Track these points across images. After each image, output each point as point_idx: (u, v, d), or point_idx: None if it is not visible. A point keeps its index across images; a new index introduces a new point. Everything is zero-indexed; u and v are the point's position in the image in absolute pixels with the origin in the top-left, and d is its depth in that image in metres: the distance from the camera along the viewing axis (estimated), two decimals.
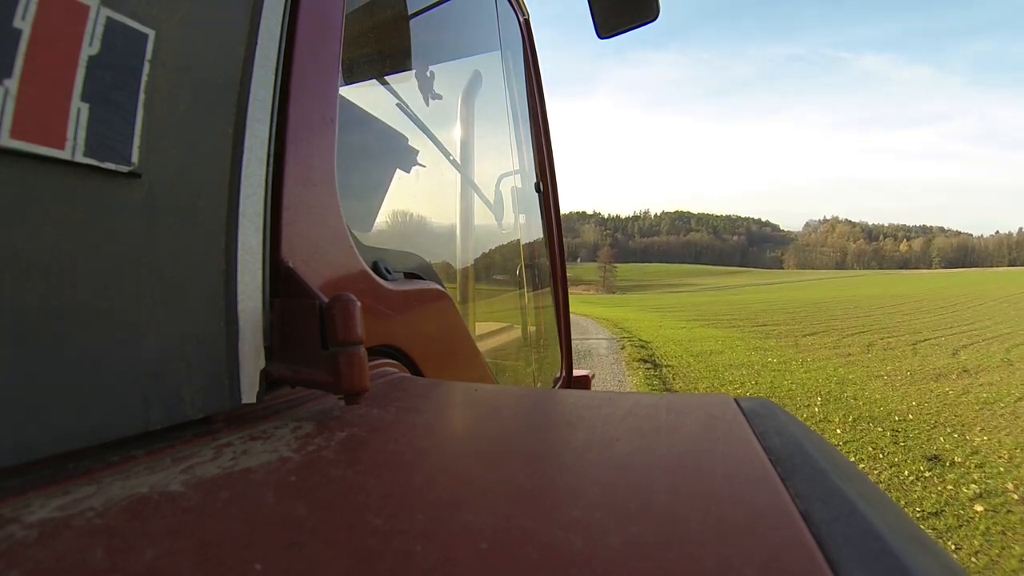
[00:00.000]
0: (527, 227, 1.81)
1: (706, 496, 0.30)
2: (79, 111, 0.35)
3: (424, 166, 1.20)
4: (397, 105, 1.18)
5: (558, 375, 1.90)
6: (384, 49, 1.11)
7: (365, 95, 1.12)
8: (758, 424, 0.41)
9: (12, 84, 0.31)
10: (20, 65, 0.31)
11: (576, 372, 2.02)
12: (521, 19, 1.72)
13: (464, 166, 1.58)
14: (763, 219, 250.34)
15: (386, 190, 1.13)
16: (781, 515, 0.27)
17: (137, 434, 0.38)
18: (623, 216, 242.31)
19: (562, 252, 1.90)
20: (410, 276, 0.84)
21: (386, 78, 1.17)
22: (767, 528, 0.26)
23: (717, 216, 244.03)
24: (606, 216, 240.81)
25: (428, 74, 1.22)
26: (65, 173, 0.34)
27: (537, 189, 1.79)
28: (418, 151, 1.17)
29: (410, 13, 1.13)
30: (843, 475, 0.32)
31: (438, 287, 0.87)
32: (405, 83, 1.21)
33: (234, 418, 0.46)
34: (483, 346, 1.33)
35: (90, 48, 0.35)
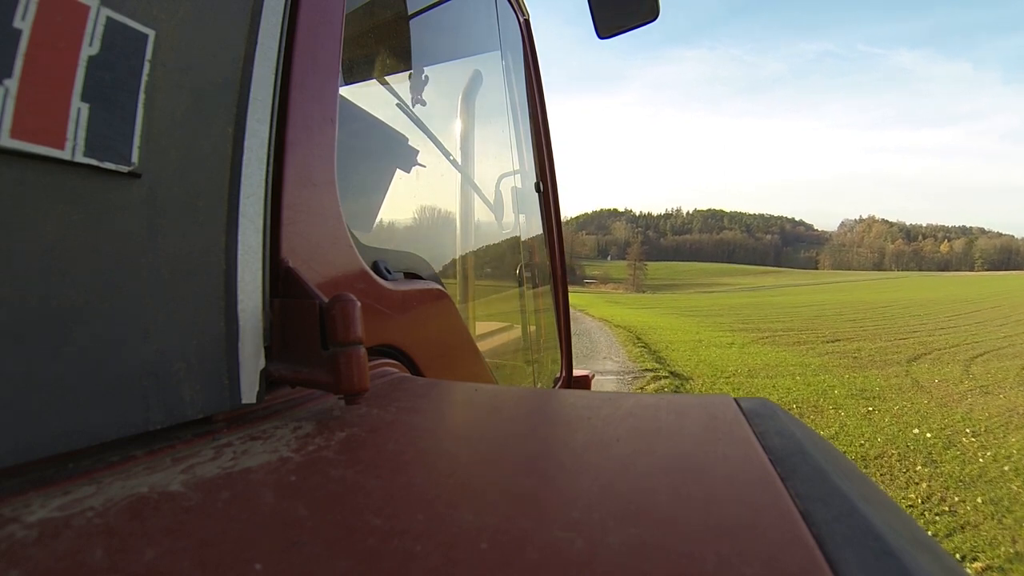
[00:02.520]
0: (527, 227, 1.81)
1: (706, 496, 0.30)
2: (79, 111, 0.35)
3: (424, 166, 1.20)
4: (397, 105, 1.18)
5: (558, 375, 1.90)
6: (384, 49, 1.11)
7: (365, 95, 1.12)
8: (758, 424, 0.41)
9: (12, 84, 0.31)
10: (20, 65, 0.31)
11: (576, 372, 2.02)
12: (521, 19, 1.72)
13: (464, 166, 1.58)
14: (797, 218, 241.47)
15: (386, 190, 1.13)
16: (781, 515, 0.27)
17: (137, 434, 0.38)
18: (655, 214, 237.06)
19: (562, 252, 1.90)
20: (410, 276, 0.84)
21: (386, 78, 1.17)
22: (767, 528, 0.26)
23: (750, 215, 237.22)
24: (638, 213, 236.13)
25: (423, 78, 1.22)
26: (65, 173, 0.34)
27: (537, 189, 1.79)
28: (418, 151, 1.17)
29: (410, 13, 1.13)
30: (843, 475, 0.32)
31: (438, 287, 0.87)
32: (405, 83, 1.21)
33: (234, 418, 0.46)
34: (483, 346, 1.33)
35: (90, 48, 0.35)
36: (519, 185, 1.75)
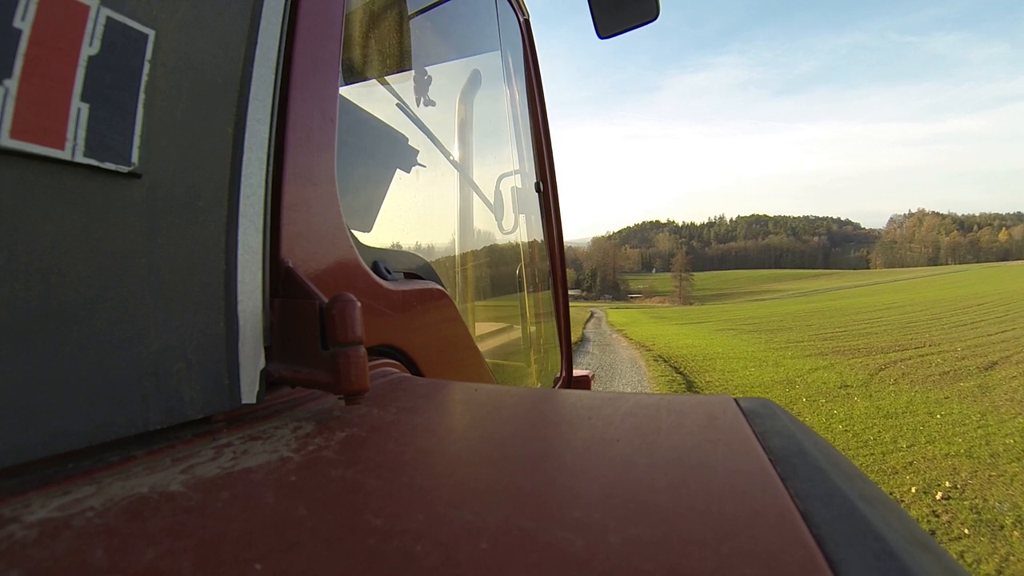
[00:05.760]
0: (527, 227, 1.81)
1: (706, 496, 0.30)
2: (79, 111, 0.35)
3: (424, 166, 1.20)
4: (397, 105, 1.18)
5: (558, 375, 1.90)
6: (384, 49, 1.11)
7: (365, 95, 1.12)
8: (758, 424, 0.41)
9: (12, 84, 0.31)
10: (20, 65, 0.31)
11: (576, 372, 2.02)
12: (521, 19, 1.72)
13: (464, 166, 1.58)
14: (843, 218, 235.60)
15: (386, 190, 1.13)
16: (781, 515, 0.27)
17: (137, 434, 0.38)
18: (698, 223, 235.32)
19: (562, 252, 1.90)
20: (410, 276, 0.84)
21: (386, 78, 1.17)
22: (767, 528, 0.26)
23: (795, 217, 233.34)
24: (680, 224, 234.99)
25: (425, 77, 1.22)
26: (65, 173, 0.34)
27: (537, 189, 1.79)
28: (418, 151, 1.17)
29: (410, 13, 1.13)
30: (843, 475, 0.32)
31: (438, 287, 0.87)
32: (405, 83, 1.21)
33: (234, 418, 0.46)
34: (483, 346, 1.33)
35: (90, 48, 0.35)
36: (519, 185, 1.75)
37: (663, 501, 0.29)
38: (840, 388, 6.84)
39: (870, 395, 6.42)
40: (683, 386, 7.87)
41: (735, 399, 0.48)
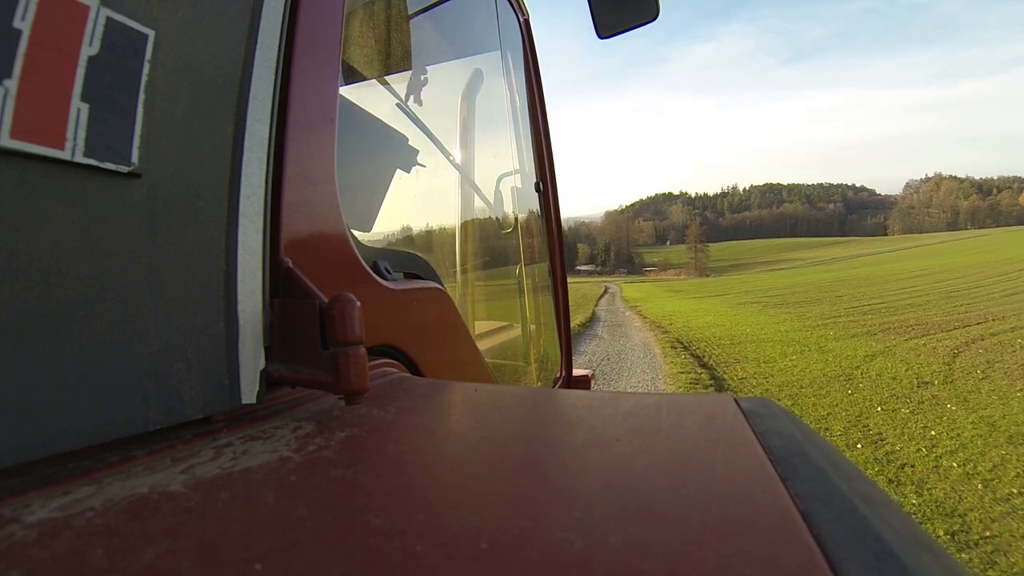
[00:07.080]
0: (527, 227, 1.81)
1: (706, 496, 0.30)
2: (79, 111, 0.35)
3: (424, 166, 1.20)
4: (397, 105, 1.18)
5: (558, 375, 1.90)
6: (384, 49, 1.11)
7: (365, 95, 1.12)
8: (758, 424, 0.41)
9: (12, 84, 0.31)
10: (20, 65, 0.31)
11: (576, 372, 2.02)
12: (521, 19, 1.72)
13: (464, 166, 1.58)
14: (858, 184, 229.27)
15: (386, 190, 1.13)
16: (781, 515, 0.27)
17: (137, 434, 0.38)
18: (711, 193, 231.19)
19: (562, 252, 1.90)
20: (410, 276, 0.84)
21: (386, 78, 1.17)
22: (767, 528, 0.26)
23: (809, 185, 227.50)
24: (693, 195, 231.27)
25: (423, 77, 1.22)
26: (65, 173, 0.34)
27: (537, 189, 1.79)
28: (418, 151, 1.18)
29: (410, 13, 1.13)
30: (843, 475, 0.32)
31: (438, 287, 0.87)
32: (405, 83, 1.21)
33: (234, 418, 0.46)
34: (483, 346, 1.33)
35: (90, 48, 0.35)
36: (519, 185, 1.75)
37: (663, 501, 0.29)
38: (918, 387, 5.09)
39: (963, 399, 4.64)
40: (713, 382, 6.21)
41: (735, 398, 0.48)
